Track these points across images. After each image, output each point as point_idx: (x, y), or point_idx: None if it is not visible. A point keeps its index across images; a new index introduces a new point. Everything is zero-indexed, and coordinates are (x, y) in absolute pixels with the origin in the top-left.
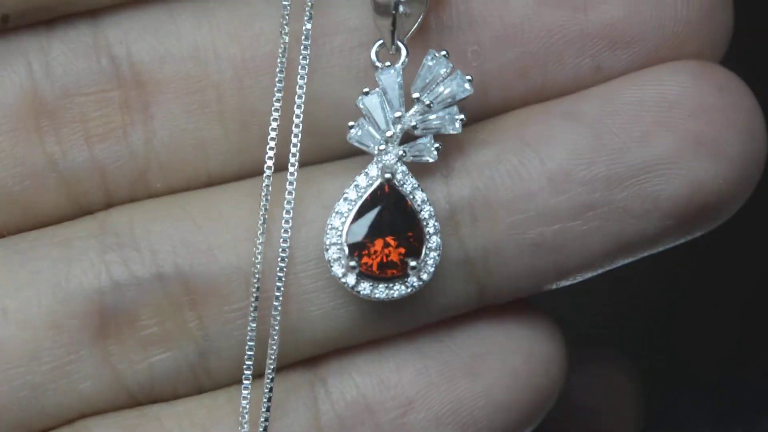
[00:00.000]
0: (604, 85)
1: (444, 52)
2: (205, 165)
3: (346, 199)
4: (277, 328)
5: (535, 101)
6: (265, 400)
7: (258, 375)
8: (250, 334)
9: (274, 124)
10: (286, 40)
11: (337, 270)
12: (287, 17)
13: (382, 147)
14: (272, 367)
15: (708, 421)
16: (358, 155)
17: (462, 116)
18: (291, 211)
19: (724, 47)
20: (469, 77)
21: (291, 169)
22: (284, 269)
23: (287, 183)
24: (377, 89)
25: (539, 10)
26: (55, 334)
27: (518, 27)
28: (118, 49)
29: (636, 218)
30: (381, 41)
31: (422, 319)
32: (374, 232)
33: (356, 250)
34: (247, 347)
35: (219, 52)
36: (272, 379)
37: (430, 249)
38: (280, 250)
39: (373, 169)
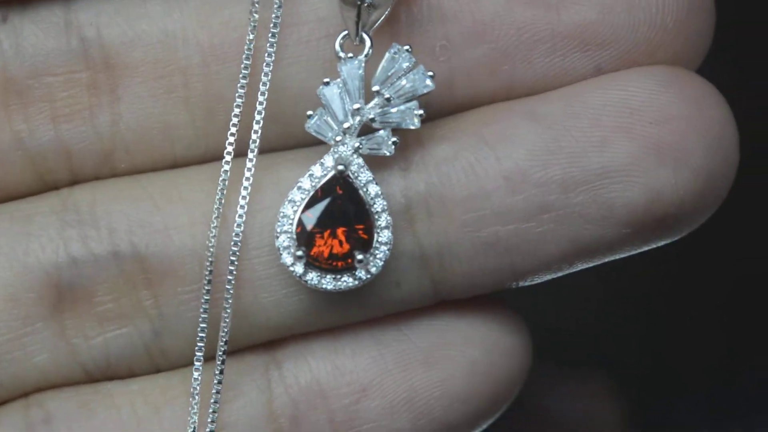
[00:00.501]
0: (569, 86)
1: (407, 47)
2: (171, 149)
3: (299, 188)
4: (229, 311)
5: (503, 99)
6: (215, 382)
7: (212, 357)
8: (202, 316)
9: (236, 111)
10: (254, 27)
11: (287, 258)
12: (257, 5)
13: (339, 138)
14: (223, 350)
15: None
16: (321, 144)
17: (421, 111)
18: (248, 196)
19: (702, 54)
20: (431, 73)
21: (250, 155)
22: (237, 254)
23: (246, 169)
24: (338, 80)
25: (510, 7)
26: (11, 306)
27: (488, 24)
28: (88, 31)
29: (592, 224)
30: (346, 32)
31: (375, 312)
32: (324, 222)
33: (305, 239)
34: (199, 329)
35: (188, 37)
36: (223, 362)
37: (381, 243)
38: (234, 234)
39: (328, 160)
